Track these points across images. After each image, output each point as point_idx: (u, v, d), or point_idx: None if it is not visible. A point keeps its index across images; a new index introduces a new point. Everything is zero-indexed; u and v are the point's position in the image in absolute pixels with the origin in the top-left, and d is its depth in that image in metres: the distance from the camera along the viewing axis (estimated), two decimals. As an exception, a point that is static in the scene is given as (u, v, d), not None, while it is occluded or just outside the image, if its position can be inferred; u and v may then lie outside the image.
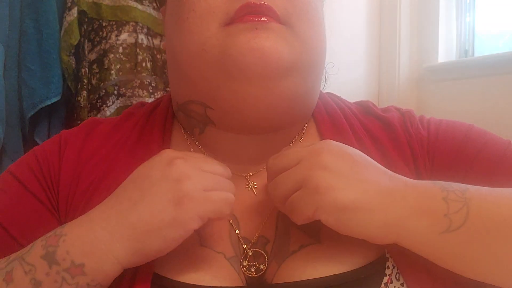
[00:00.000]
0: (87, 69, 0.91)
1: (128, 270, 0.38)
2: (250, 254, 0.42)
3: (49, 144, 0.49)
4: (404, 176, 0.44)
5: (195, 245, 0.41)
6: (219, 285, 0.39)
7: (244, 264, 0.41)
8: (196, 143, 0.49)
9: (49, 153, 0.47)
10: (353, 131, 0.49)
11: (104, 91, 0.91)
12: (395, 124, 0.50)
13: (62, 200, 0.44)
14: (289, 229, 0.43)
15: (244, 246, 0.42)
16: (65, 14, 0.90)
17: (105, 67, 0.91)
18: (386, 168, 0.44)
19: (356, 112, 0.53)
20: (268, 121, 0.46)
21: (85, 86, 0.90)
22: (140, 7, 0.93)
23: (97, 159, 0.46)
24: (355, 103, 0.56)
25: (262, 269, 0.41)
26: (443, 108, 1.21)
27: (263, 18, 0.42)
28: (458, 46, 1.27)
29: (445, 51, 1.26)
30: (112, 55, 0.91)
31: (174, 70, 0.48)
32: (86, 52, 0.92)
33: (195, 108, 0.47)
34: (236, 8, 0.42)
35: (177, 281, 0.38)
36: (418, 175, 0.47)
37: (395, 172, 0.45)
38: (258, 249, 0.42)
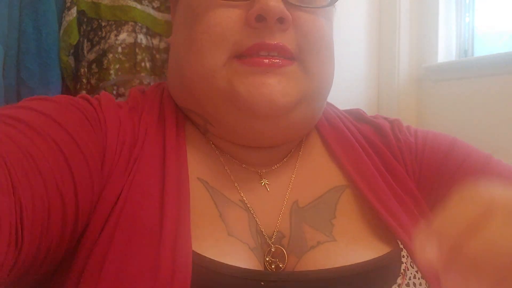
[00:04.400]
0: (86, 69, 0.91)
1: (167, 247, 0.37)
2: (273, 250, 0.43)
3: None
4: (398, 174, 0.46)
5: (223, 234, 0.42)
6: (252, 268, 0.40)
7: (267, 259, 0.43)
8: (205, 139, 0.49)
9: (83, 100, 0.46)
10: (353, 136, 0.51)
11: (103, 91, 0.91)
12: (386, 129, 0.52)
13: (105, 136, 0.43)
14: (302, 225, 0.44)
15: (268, 241, 0.43)
16: (64, 14, 0.89)
17: (104, 67, 0.91)
18: (382, 167, 0.47)
19: (350, 119, 0.55)
20: (270, 144, 0.48)
21: (84, 86, 0.90)
22: (139, 6, 0.93)
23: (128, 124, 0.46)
24: (344, 111, 0.58)
25: (281, 267, 0.42)
26: (443, 108, 1.20)
27: (276, 61, 0.41)
28: (458, 46, 1.27)
29: (445, 51, 1.26)
30: (111, 55, 0.91)
31: (180, 80, 0.48)
32: (85, 52, 0.91)
33: (195, 118, 0.48)
34: (248, 45, 0.42)
35: (217, 260, 0.38)
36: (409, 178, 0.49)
37: (393, 173, 0.47)
38: (278, 246, 0.43)
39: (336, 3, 0.50)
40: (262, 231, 0.44)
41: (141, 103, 0.50)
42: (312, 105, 0.47)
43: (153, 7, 0.95)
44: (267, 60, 0.41)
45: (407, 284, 0.40)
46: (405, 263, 0.42)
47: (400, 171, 0.49)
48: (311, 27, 0.44)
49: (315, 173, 0.49)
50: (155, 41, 0.94)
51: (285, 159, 0.50)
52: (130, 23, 0.92)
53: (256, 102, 0.41)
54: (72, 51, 0.90)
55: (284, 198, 0.47)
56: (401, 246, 0.42)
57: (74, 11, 0.89)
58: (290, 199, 0.46)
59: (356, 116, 0.56)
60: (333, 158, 0.50)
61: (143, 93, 0.53)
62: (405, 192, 0.47)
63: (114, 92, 0.92)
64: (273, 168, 0.49)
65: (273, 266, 0.42)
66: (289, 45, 0.43)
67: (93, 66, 0.92)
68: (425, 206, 0.48)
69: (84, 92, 0.90)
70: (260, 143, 0.48)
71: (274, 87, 0.41)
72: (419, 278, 0.41)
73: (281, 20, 0.41)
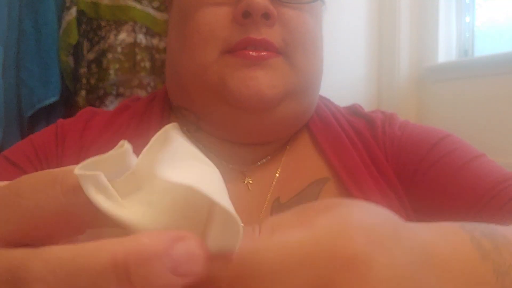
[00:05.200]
0: (85, 69, 0.91)
1: None
2: None
3: (45, 132, 0.51)
4: (382, 167, 0.46)
5: None
6: None
7: None
8: (192, 139, 0.50)
9: (46, 140, 0.49)
10: (342, 129, 0.52)
11: (102, 91, 0.91)
12: (377, 122, 0.53)
13: None
14: None
15: None
16: (63, 14, 0.89)
17: (104, 67, 0.91)
18: (368, 160, 0.47)
19: (344, 113, 0.56)
20: (260, 140, 0.49)
21: (83, 86, 0.90)
22: (138, 6, 0.93)
23: (98, 145, 0.48)
24: (344, 107, 0.59)
25: None
26: (443, 108, 1.20)
27: (263, 53, 0.43)
28: (458, 46, 1.27)
29: (445, 51, 1.26)
30: (111, 55, 0.91)
31: (174, 78, 0.50)
32: (85, 52, 0.91)
33: (188, 115, 0.50)
34: (236, 41, 0.43)
35: None
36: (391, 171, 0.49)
37: (378, 166, 0.47)
38: None
39: (331, 2, 0.51)
40: None
41: (132, 106, 0.53)
42: (300, 101, 0.48)
43: (152, 7, 0.95)
44: (254, 53, 0.43)
45: None
46: None
47: (384, 163, 0.49)
48: (296, 22, 0.45)
49: (299, 167, 0.49)
50: (155, 41, 0.94)
51: (269, 156, 0.51)
52: (130, 23, 0.92)
53: (244, 95, 0.43)
54: (71, 51, 0.90)
55: (267, 196, 0.47)
56: None
57: (73, 11, 0.89)
58: (272, 196, 0.47)
59: (352, 110, 0.57)
60: (319, 151, 0.50)
61: (138, 99, 0.56)
62: (388, 184, 0.47)
63: (114, 92, 0.92)
64: (257, 164, 0.50)
65: None
66: (275, 40, 0.44)
67: (93, 66, 0.92)
68: (405, 198, 0.48)
69: (83, 92, 0.90)
70: (250, 139, 0.49)
71: (261, 79, 0.43)
72: None
73: (266, 15, 0.43)
